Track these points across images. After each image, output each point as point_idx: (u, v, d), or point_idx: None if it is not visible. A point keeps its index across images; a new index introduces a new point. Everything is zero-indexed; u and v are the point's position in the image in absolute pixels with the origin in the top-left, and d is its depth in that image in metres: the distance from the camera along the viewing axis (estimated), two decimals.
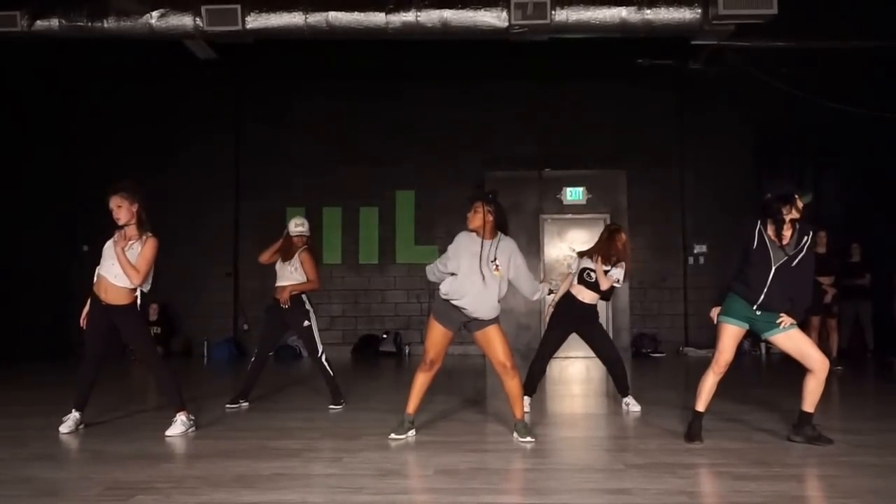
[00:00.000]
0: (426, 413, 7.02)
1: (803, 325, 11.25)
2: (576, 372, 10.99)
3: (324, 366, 7.53)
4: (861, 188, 13.01)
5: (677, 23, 9.03)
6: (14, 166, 12.71)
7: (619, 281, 7.27)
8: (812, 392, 5.59)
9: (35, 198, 12.77)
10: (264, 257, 7.71)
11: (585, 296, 7.23)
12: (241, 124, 14.10)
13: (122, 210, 6.41)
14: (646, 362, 12.14)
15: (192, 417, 6.32)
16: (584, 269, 7.26)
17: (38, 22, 9.32)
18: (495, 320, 5.90)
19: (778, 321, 5.51)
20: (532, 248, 13.23)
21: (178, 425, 6.14)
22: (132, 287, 6.32)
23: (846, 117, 11.64)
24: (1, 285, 12.07)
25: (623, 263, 7.26)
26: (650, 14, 8.96)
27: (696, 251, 13.71)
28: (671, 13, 8.95)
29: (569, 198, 13.20)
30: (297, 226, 7.72)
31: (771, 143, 13.57)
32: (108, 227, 14.00)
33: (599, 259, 7.20)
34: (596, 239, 7.55)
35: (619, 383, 7.36)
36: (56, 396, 7.71)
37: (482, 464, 5.10)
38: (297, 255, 7.60)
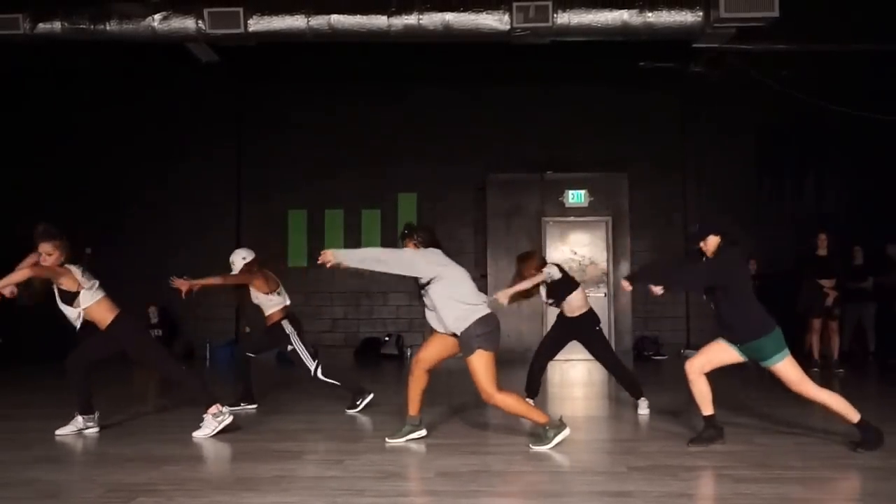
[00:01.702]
0: (428, 415, 7.02)
1: (805, 328, 11.35)
2: (577, 375, 10.99)
3: (325, 382, 7.44)
4: (863, 191, 13.01)
5: (679, 26, 9.04)
6: (16, 169, 12.73)
7: (549, 276, 7.04)
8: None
9: (37, 200, 12.78)
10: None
11: (570, 309, 7.16)
12: (243, 127, 14.10)
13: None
14: (648, 365, 12.14)
15: (223, 410, 6.25)
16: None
17: (41, 25, 9.34)
18: (473, 349, 5.55)
19: None
20: None
21: (210, 422, 6.13)
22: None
23: (848, 120, 11.65)
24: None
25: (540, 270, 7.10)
26: (652, 17, 8.97)
27: None
28: (673, 16, 8.96)
29: (571, 200, 13.18)
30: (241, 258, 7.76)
31: (772, 146, 13.56)
32: (112, 231, 14.07)
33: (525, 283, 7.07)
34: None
35: (629, 390, 7.30)
36: (57, 399, 7.71)
37: (484, 466, 5.10)
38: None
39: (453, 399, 8.16)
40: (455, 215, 13.71)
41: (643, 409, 7.17)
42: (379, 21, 9.19)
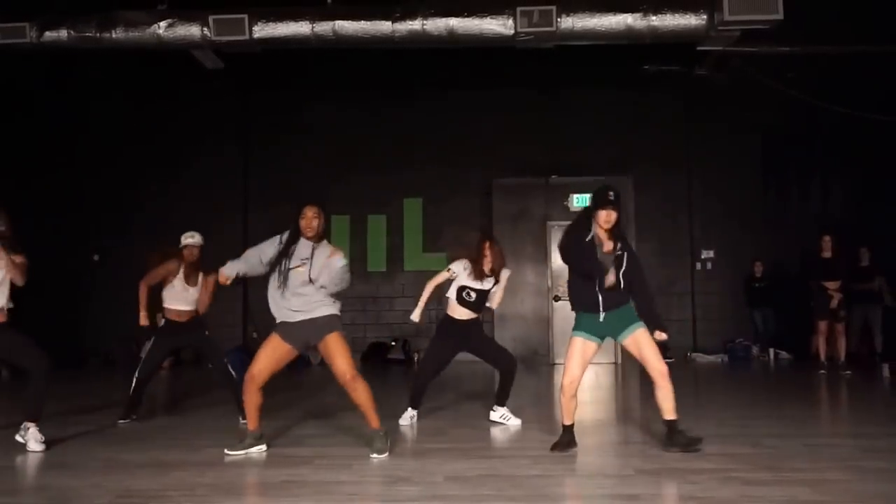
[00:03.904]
0: (434, 420, 7.05)
1: (811, 330, 11.34)
2: (584, 378, 10.96)
3: (231, 372, 7.30)
4: (869, 192, 13.02)
5: (683, 29, 9.04)
6: (23, 176, 12.77)
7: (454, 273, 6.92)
8: (664, 400, 5.54)
9: (45, 207, 12.84)
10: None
11: (461, 313, 6.95)
12: (248, 133, 14.15)
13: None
14: None
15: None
16: (462, 288, 6.90)
17: (47, 33, 9.38)
18: (336, 327, 5.79)
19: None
20: (539, 255, 13.24)
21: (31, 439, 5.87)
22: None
23: (853, 121, 11.64)
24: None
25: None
26: (656, 21, 8.97)
27: (703, 256, 13.72)
28: (677, 20, 8.96)
29: (576, 204, 13.15)
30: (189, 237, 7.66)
31: (777, 148, 13.59)
32: (118, 238, 14.08)
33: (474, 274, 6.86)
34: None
35: (501, 392, 7.02)
36: (67, 405, 7.74)
37: (492, 470, 5.12)
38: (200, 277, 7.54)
39: (460, 404, 8.17)
40: (460, 220, 13.72)
41: (508, 418, 6.93)
42: (383, 27, 9.21)
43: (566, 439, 5.70)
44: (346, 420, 7.24)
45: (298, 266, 5.66)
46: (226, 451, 5.69)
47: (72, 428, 6.39)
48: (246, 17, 9.22)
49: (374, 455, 5.54)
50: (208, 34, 9.31)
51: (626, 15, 8.99)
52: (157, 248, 7.45)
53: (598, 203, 5.46)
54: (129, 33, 9.40)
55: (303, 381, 11.06)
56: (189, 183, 13.88)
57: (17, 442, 5.87)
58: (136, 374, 7.36)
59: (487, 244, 6.91)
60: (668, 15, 8.97)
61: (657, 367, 5.49)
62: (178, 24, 9.35)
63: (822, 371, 10.57)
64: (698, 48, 9.83)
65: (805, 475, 4.87)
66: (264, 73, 13.02)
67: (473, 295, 6.85)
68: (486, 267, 6.84)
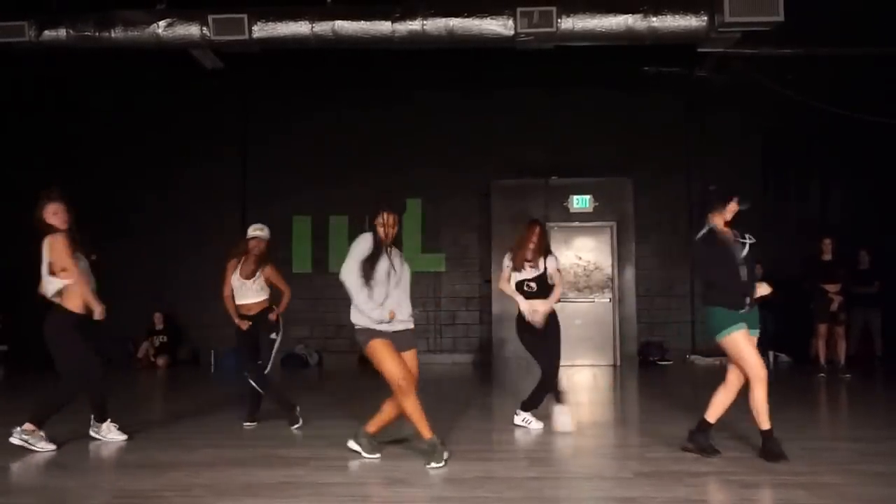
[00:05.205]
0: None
1: (811, 333, 11.31)
2: (582, 380, 10.96)
3: (266, 383, 7.11)
4: (869, 195, 13.00)
5: (683, 30, 9.02)
6: (19, 176, 12.76)
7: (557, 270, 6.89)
8: (721, 404, 5.54)
9: None
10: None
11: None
12: (247, 133, 14.12)
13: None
14: (653, 370, 12.11)
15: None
16: (520, 283, 6.81)
17: (46, 32, 9.36)
18: (415, 342, 5.70)
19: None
20: None
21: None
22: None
23: (853, 123, 11.63)
24: (8, 295, 12.08)
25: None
26: (656, 22, 8.96)
27: None
28: (677, 21, 8.94)
29: (575, 206, 13.16)
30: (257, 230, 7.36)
31: (778, 150, 13.56)
32: (116, 238, 14.05)
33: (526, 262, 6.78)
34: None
35: (555, 394, 6.78)
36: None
37: (488, 472, 5.10)
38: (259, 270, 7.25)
39: (457, 406, 8.15)
40: (460, 221, 13.72)
41: (531, 423, 6.73)
42: (383, 27, 9.19)
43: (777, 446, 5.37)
44: (343, 422, 7.22)
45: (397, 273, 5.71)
46: (428, 468, 5.19)
47: (68, 428, 6.36)
48: (245, 16, 9.20)
49: (363, 454, 5.56)
50: (207, 34, 9.29)
51: (626, 16, 8.98)
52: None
53: (726, 197, 5.77)
54: (128, 33, 9.38)
55: (299, 382, 11.04)
56: (188, 182, 13.87)
57: (18, 443, 5.83)
58: (247, 375, 7.15)
59: (538, 229, 6.79)
60: (668, 16, 8.96)
61: (747, 372, 5.45)
62: (178, 23, 9.34)
63: (822, 374, 10.54)
64: (699, 49, 9.81)
65: (803, 479, 4.85)
66: (264, 73, 13.00)
67: (534, 285, 6.76)
68: (529, 254, 6.74)
